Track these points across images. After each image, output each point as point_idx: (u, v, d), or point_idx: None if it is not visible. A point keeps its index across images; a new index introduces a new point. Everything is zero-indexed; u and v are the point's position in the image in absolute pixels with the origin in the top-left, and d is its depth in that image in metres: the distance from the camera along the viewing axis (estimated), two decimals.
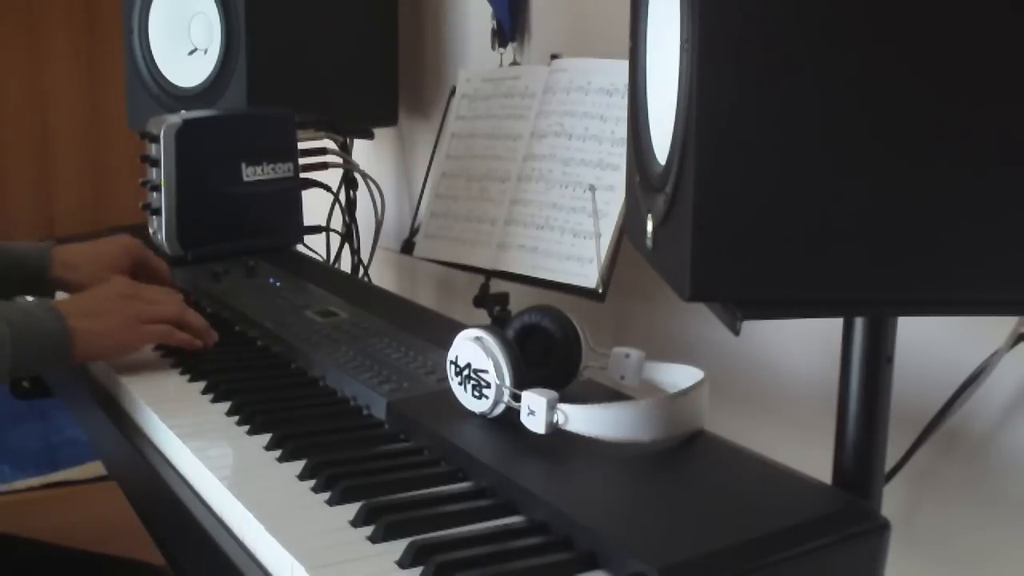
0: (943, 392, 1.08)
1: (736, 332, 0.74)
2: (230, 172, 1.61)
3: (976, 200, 0.72)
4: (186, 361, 1.22)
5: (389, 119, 2.04)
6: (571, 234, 1.41)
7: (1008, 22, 0.70)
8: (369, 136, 1.98)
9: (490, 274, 1.53)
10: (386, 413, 1.03)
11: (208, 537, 0.89)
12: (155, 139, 1.56)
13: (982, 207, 0.72)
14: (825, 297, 0.74)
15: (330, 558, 0.78)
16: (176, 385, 1.17)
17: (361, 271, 1.94)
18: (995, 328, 1.04)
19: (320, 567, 0.77)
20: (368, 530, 0.82)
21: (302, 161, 1.72)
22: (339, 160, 1.86)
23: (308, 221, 1.74)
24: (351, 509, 0.85)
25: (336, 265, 1.95)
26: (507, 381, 0.95)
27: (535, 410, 0.90)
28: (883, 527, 0.79)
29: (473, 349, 0.96)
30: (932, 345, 1.13)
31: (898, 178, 0.71)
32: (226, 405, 1.09)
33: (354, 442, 1.00)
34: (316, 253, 1.89)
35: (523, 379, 0.95)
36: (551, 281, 1.42)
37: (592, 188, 1.38)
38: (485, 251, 1.52)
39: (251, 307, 1.38)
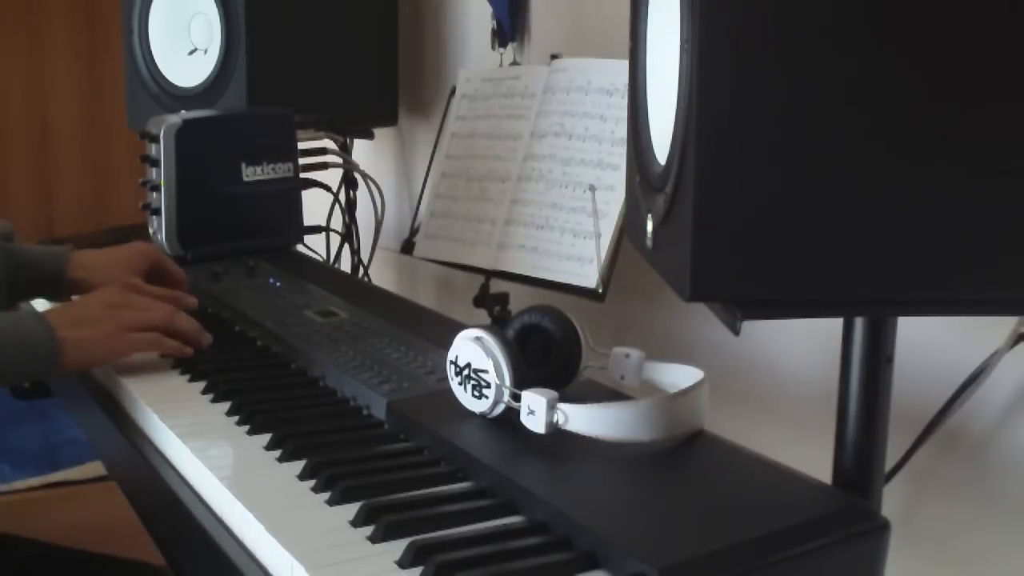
0: (943, 392, 1.08)
1: (736, 332, 0.74)
2: (230, 172, 1.61)
3: (976, 200, 0.72)
4: (186, 361, 1.22)
5: (389, 119, 2.04)
6: (571, 234, 1.41)
7: (1008, 21, 0.70)
8: (369, 136, 1.98)
9: (490, 274, 1.53)
10: (386, 413, 1.03)
11: (208, 537, 0.89)
12: (155, 139, 1.56)
13: (982, 207, 0.72)
14: (825, 297, 0.74)
15: (330, 558, 0.78)
16: (176, 385, 1.17)
17: (361, 271, 1.95)
18: (995, 328, 1.04)
19: (320, 567, 0.77)
20: (368, 530, 0.82)
21: (302, 161, 1.72)
22: (339, 160, 1.86)
23: (308, 221, 1.74)
24: (351, 509, 0.85)
25: (336, 265, 1.95)
26: (507, 381, 0.95)
27: (535, 410, 0.90)
28: (883, 527, 0.79)
29: (473, 349, 0.96)
30: (932, 345, 1.13)
31: (898, 178, 0.71)
32: (226, 405, 1.09)
33: (354, 442, 1.00)
34: (316, 253, 1.89)
35: (523, 379, 0.95)
36: (551, 281, 1.42)
37: (592, 188, 1.38)
38: (485, 251, 1.52)
39: (251, 307, 1.38)
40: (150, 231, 1.62)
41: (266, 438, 1.00)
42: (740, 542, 0.75)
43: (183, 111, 1.65)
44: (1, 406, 2.35)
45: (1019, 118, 0.71)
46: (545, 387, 0.92)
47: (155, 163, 1.56)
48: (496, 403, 0.96)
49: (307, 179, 1.76)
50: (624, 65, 0.96)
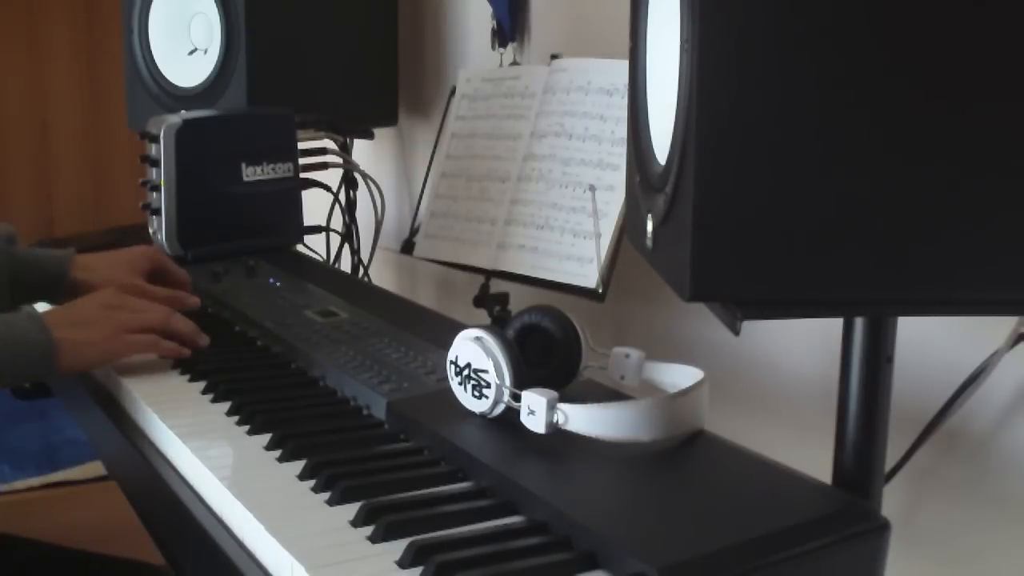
0: (943, 392, 1.08)
1: (736, 332, 0.74)
2: (230, 172, 1.61)
3: (976, 200, 0.72)
4: (186, 361, 1.22)
5: (389, 119, 2.04)
6: (571, 234, 1.41)
7: (1008, 21, 0.70)
8: (369, 136, 1.98)
9: (490, 274, 1.53)
10: (386, 413, 1.03)
11: (208, 537, 0.89)
12: (155, 139, 1.56)
13: (982, 207, 0.72)
14: (825, 297, 0.74)
15: (330, 558, 0.78)
16: (176, 385, 1.17)
17: (361, 271, 1.95)
18: (995, 328, 1.04)
19: (320, 567, 0.77)
20: (368, 530, 0.82)
21: (302, 161, 1.72)
22: (339, 160, 1.86)
23: (308, 221, 1.74)
24: (351, 509, 0.85)
25: (336, 265, 1.95)
26: (507, 381, 0.95)
27: (535, 410, 0.90)
28: (883, 527, 0.79)
29: (473, 349, 0.96)
30: (932, 345, 1.13)
31: (898, 178, 0.71)
32: (226, 405, 1.09)
33: (354, 442, 1.00)
34: (316, 253, 1.89)
35: (523, 379, 0.95)
36: (551, 281, 1.42)
37: (592, 188, 1.38)
38: (485, 251, 1.52)
39: (251, 307, 1.38)
40: (150, 231, 1.62)
41: (266, 438, 1.00)
42: (740, 542, 0.75)
43: (183, 111, 1.65)
44: (1, 406, 2.35)
45: (1019, 118, 0.71)
46: (545, 387, 0.92)
47: (155, 163, 1.56)
48: (496, 403, 0.96)
49: (307, 179, 1.76)
50: (624, 65, 0.96)
